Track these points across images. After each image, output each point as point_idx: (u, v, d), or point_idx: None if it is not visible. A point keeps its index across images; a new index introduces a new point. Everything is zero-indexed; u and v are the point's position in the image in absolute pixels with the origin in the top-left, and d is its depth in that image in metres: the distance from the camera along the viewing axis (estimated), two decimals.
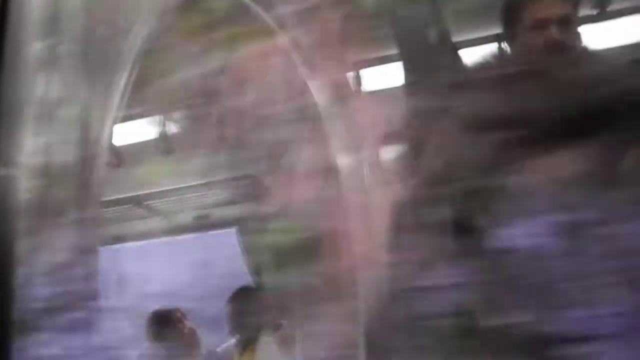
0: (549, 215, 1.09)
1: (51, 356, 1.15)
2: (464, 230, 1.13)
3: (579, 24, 1.65)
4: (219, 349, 3.31)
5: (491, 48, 2.10)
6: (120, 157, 3.30)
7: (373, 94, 3.01)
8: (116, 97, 1.59)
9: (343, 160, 2.77)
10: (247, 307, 3.01)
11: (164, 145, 3.42)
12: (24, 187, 0.96)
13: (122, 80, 1.63)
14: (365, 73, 3.07)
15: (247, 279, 3.36)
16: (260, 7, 1.78)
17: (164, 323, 3.20)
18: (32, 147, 0.99)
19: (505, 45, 1.68)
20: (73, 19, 1.32)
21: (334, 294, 2.41)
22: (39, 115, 1.03)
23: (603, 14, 2.71)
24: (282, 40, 1.88)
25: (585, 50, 1.63)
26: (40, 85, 1.05)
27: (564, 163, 1.12)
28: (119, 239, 3.90)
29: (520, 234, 1.09)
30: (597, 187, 1.09)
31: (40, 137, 1.04)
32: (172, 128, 3.45)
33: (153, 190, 3.84)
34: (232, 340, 3.17)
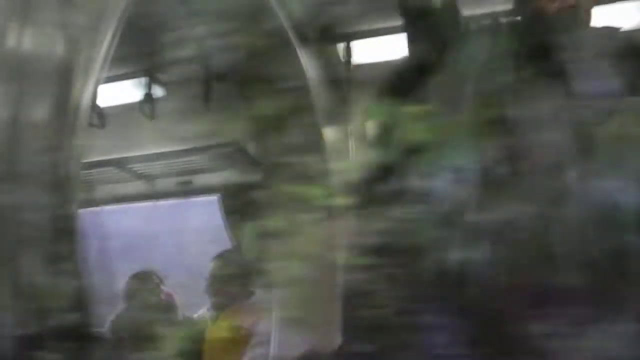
0: None
1: None
2: None
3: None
4: (195, 315, 3.31)
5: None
6: (103, 118, 3.25)
7: (366, 66, 2.98)
8: (100, 56, 1.55)
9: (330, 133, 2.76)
10: (225, 272, 3.01)
11: (148, 108, 3.37)
12: None
13: (107, 38, 1.59)
14: (357, 45, 3.04)
15: (227, 247, 3.35)
16: None
17: (141, 286, 3.19)
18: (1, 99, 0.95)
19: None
20: None
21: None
22: (9, 67, 0.99)
23: None
24: None
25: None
26: (11, 36, 1.00)
27: None
28: (100, 201, 3.86)
29: None
30: None
31: (10, 89, 1.00)
32: (158, 91, 3.40)
33: (135, 154, 3.79)
34: (207, 306, 3.17)
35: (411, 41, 1.62)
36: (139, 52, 2.98)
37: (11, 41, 1.03)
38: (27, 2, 1.12)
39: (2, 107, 1.03)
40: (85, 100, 1.46)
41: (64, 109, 1.27)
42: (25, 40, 1.09)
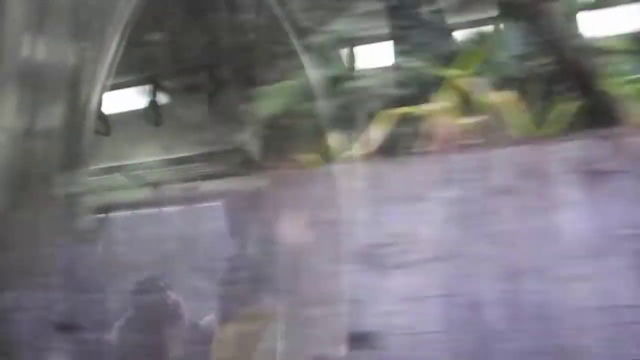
0: None
1: None
2: None
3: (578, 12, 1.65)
4: (202, 321, 3.31)
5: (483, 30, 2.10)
6: (108, 125, 3.27)
7: (367, 71, 2.99)
8: (106, 63, 1.56)
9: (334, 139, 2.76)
10: (232, 279, 3.02)
11: (153, 115, 3.39)
12: (6, 150, 0.94)
13: (113, 46, 1.60)
14: (360, 50, 3.05)
15: (234, 252, 3.36)
16: None
17: (148, 293, 3.19)
18: (15, 109, 0.97)
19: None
20: None
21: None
22: (23, 77, 1.00)
23: (602, 2, 2.69)
24: None
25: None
26: (25, 47, 1.01)
27: None
28: (105, 208, 3.86)
29: None
30: None
31: (24, 100, 1.01)
32: (162, 98, 3.42)
33: (140, 161, 3.81)
34: (215, 312, 3.18)
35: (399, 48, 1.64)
36: (144, 60, 3.00)
37: (25, 52, 1.05)
38: (41, 14, 1.14)
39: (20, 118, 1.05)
40: (92, 107, 1.47)
41: (73, 116, 1.28)
42: (38, 50, 1.10)
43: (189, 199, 3.97)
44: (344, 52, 3.01)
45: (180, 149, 3.60)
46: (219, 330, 3.07)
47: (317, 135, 2.71)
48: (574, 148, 1.81)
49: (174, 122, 3.38)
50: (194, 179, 3.90)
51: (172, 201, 4.06)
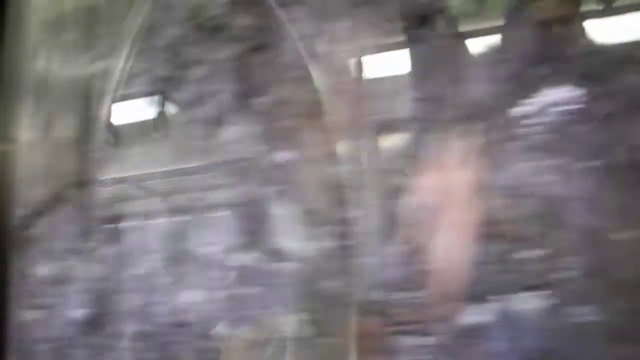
0: None
1: None
2: None
3: (583, 21, 1.66)
4: (211, 332, 3.31)
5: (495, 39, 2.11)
6: (118, 136, 3.28)
7: (375, 81, 3.00)
8: (115, 75, 1.58)
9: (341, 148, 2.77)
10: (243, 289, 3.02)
11: (162, 125, 3.40)
12: (23, 162, 0.95)
13: (122, 57, 1.62)
14: (367, 60, 3.05)
15: (244, 263, 3.36)
16: None
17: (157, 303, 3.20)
18: (31, 122, 0.98)
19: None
20: None
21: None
22: (39, 90, 1.02)
23: (609, 10, 2.69)
24: None
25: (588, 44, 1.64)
26: (41, 61, 1.03)
27: None
28: (116, 218, 3.88)
29: None
30: None
31: (39, 112, 1.02)
32: (171, 108, 3.43)
33: (151, 171, 3.82)
34: (225, 321, 3.18)
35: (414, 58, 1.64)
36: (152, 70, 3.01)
37: (40, 65, 1.06)
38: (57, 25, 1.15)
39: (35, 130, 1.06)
40: (103, 118, 1.49)
41: (87, 128, 1.30)
42: (54, 63, 1.12)
43: (197, 209, 3.97)
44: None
45: (190, 159, 3.61)
46: (228, 340, 3.08)
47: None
48: None
49: (183, 132, 3.39)
50: (203, 189, 3.91)
51: (181, 211, 4.07)
